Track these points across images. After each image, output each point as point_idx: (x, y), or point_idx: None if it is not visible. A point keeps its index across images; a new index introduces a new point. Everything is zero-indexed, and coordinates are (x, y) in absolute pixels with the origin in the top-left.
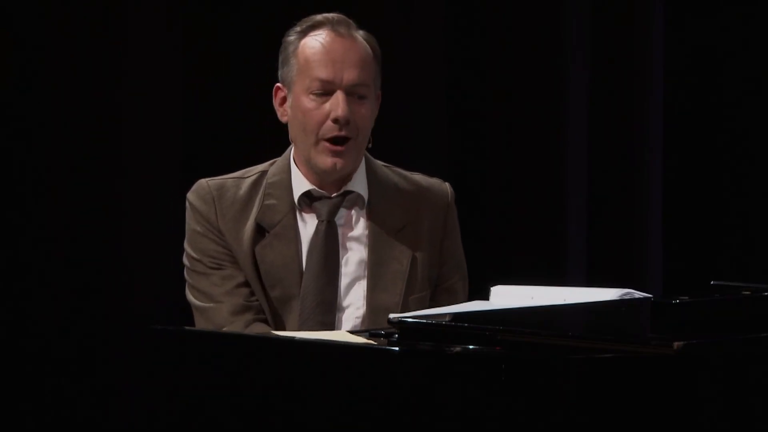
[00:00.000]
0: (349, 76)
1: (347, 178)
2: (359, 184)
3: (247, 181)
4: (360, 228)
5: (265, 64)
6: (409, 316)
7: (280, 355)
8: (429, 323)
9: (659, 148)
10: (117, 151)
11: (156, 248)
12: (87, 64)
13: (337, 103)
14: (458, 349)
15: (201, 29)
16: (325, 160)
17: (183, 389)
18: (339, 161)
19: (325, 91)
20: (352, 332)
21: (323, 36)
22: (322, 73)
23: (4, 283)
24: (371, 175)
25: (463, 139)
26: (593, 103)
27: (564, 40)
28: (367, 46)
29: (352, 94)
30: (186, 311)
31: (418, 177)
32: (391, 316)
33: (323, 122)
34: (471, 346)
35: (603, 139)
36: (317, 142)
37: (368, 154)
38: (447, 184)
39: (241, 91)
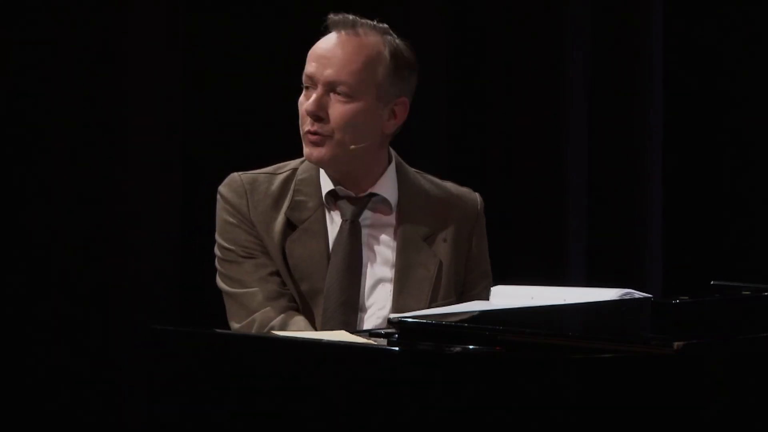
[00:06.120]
0: (328, 72)
1: (373, 180)
2: (387, 188)
3: (279, 177)
4: (387, 231)
5: (267, 63)
6: (409, 316)
7: (280, 355)
8: (429, 323)
9: (659, 147)
10: (117, 151)
11: (156, 248)
12: (87, 64)
13: (312, 97)
14: (458, 349)
15: (202, 28)
16: (305, 150)
17: (183, 389)
18: (313, 152)
19: (311, 86)
20: (352, 332)
21: (327, 36)
22: (309, 68)
23: (4, 284)
24: (402, 179)
25: (463, 140)
26: (593, 102)
27: (564, 39)
28: (374, 47)
29: (332, 91)
30: (187, 311)
31: (449, 185)
32: (391, 316)
33: (305, 115)
34: (471, 346)
35: (603, 138)
36: (303, 135)
37: (401, 160)
38: (477, 194)
39: (243, 90)
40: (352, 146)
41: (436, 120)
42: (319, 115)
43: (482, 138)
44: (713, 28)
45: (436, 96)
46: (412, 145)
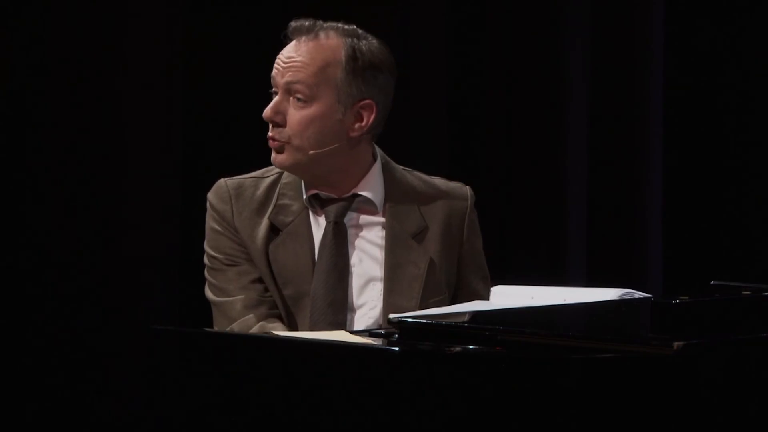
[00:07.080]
0: (286, 77)
1: (355, 181)
2: (371, 188)
3: (266, 181)
4: (374, 230)
5: (268, 64)
6: (409, 316)
7: (279, 355)
8: (429, 323)
9: (659, 147)
10: (117, 150)
11: (156, 248)
12: (86, 64)
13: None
14: (458, 349)
15: (201, 27)
16: (271, 156)
17: (183, 389)
18: (276, 157)
19: (275, 92)
20: (352, 332)
21: (290, 43)
22: (272, 74)
23: (4, 284)
24: (389, 178)
25: (463, 140)
26: (593, 103)
27: (564, 40)
28: (331, 49)
29: (291, 95)
30: (185, 311)
31: (438, 181)
32: (391, 316)
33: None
34: (471, 346)
35: (603, 139)
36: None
37: (387, 158)
38: (468, 187)
39: (244, 92)
40: (312, 151)
41: (436, 120)
42: (275, 120)
43: (482, 138)
44: (713, 27)
45: (435, 98)
46: (412, 147)
